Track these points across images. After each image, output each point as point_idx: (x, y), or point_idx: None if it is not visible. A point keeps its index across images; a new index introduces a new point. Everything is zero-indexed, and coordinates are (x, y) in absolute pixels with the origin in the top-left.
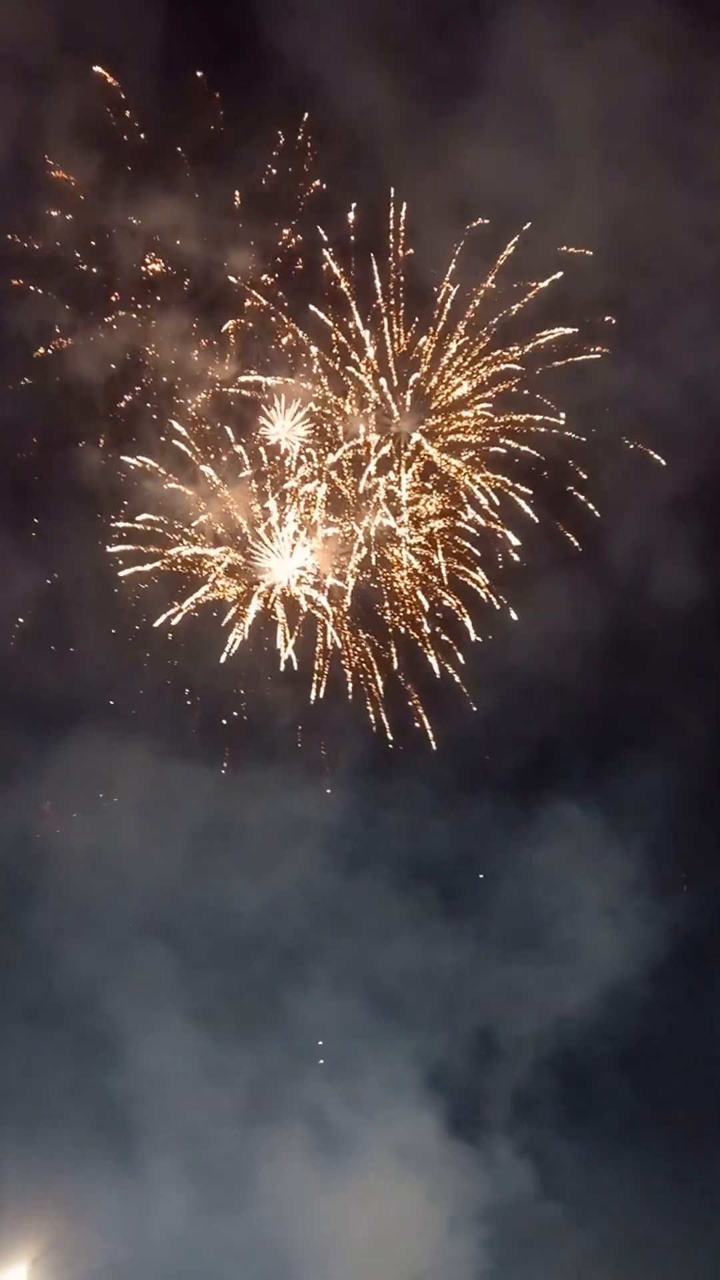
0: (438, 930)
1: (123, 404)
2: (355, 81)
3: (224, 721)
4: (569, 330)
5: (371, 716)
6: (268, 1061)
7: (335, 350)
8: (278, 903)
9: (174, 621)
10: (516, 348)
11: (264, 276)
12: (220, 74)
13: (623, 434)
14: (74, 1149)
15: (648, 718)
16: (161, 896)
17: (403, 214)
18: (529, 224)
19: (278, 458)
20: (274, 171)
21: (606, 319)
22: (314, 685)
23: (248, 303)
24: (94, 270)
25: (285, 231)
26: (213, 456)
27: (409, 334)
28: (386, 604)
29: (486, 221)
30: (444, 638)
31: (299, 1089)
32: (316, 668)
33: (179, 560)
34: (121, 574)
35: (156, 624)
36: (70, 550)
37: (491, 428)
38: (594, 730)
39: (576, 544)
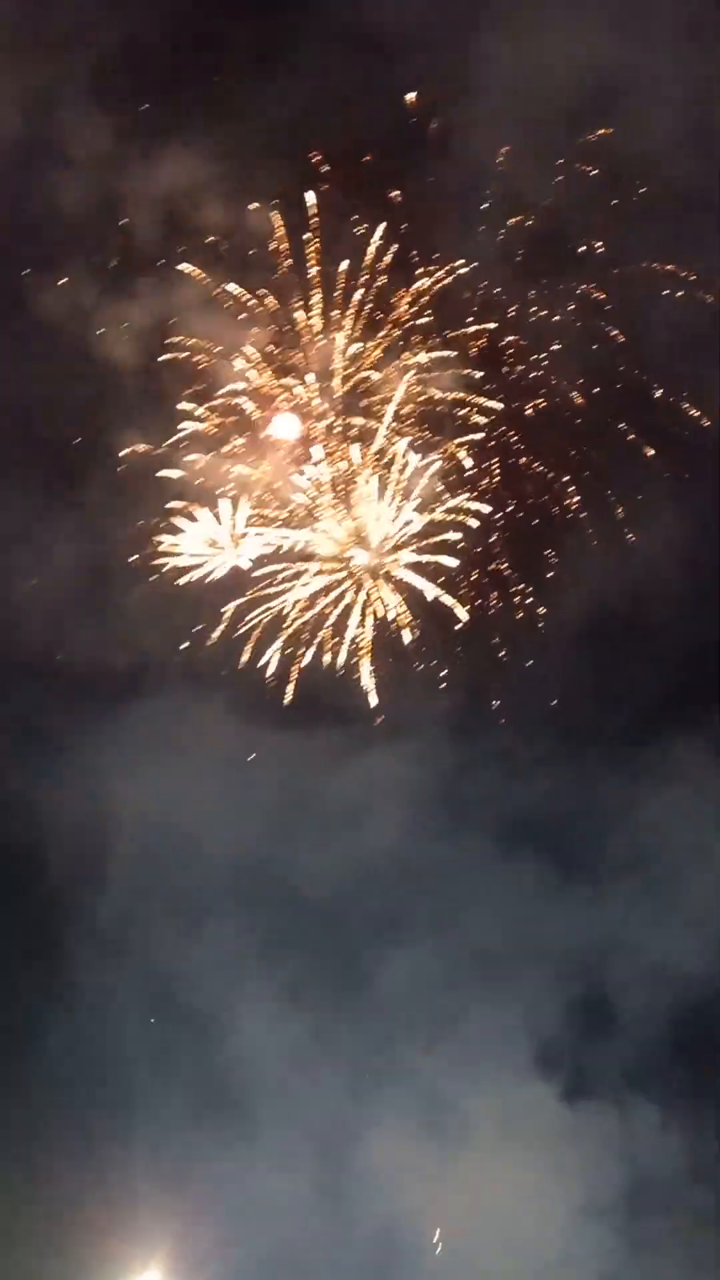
0: (542, 890)
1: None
2: None
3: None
4: None
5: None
6: (368, 1035)
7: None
8: (369, 868)
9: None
10: None
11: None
12: None
13: None
14: (187, 1142)
15: None
16: (243, 866)
17: None
18: None
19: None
20: None
21: None
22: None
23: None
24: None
25: None
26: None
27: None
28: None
29: None
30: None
31: (403, 1063)
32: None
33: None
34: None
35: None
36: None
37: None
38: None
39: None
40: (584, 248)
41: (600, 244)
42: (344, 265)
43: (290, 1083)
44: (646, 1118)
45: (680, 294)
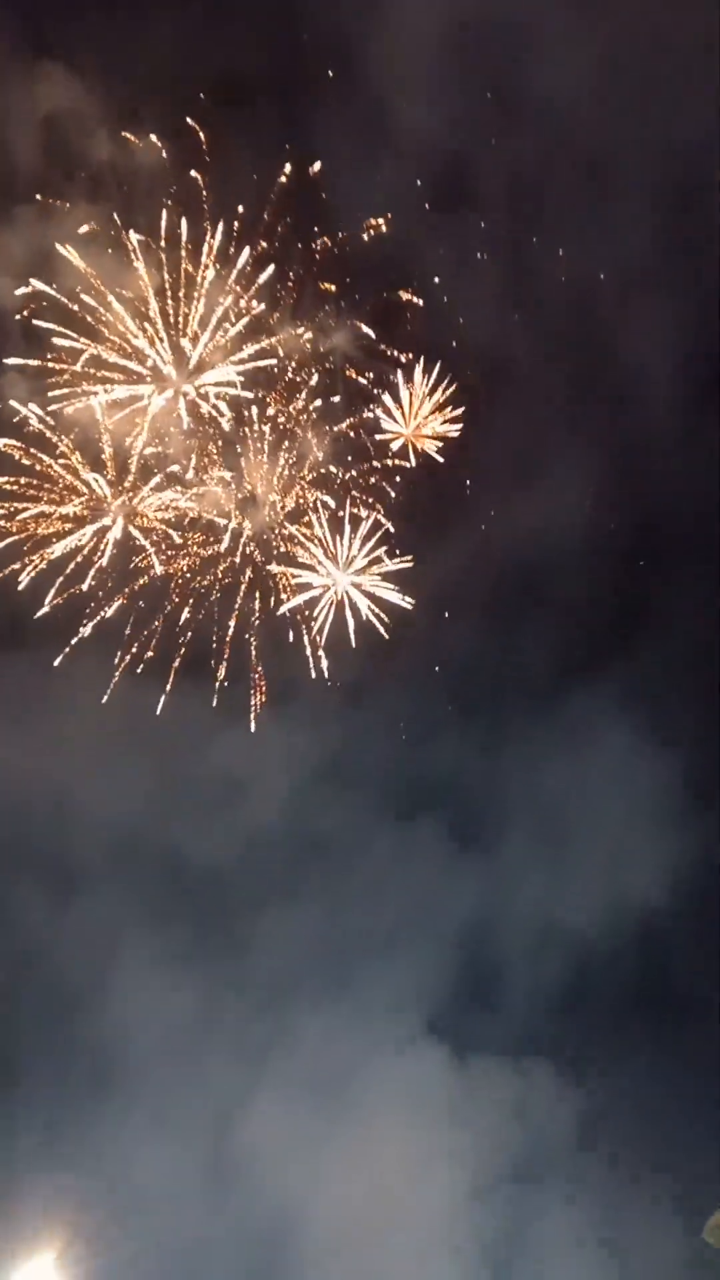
0: (432, 856)
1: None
2: None
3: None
4: None
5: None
6: (255, 1005)
7: None
8: (256, 837)
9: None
10: None
11: None
12: None
13: None
14: (71, 1120)
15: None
16: (123, 833)
17: None
18: None
19: None
20: None
21: None
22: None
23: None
24: None
25: None
26: None
27: None
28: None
29: None
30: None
31: (292, 1032)
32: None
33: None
34: None
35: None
36: None
37: None
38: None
39: None
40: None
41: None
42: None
43: (176, 1054)
44: (539, 1079)
45: None
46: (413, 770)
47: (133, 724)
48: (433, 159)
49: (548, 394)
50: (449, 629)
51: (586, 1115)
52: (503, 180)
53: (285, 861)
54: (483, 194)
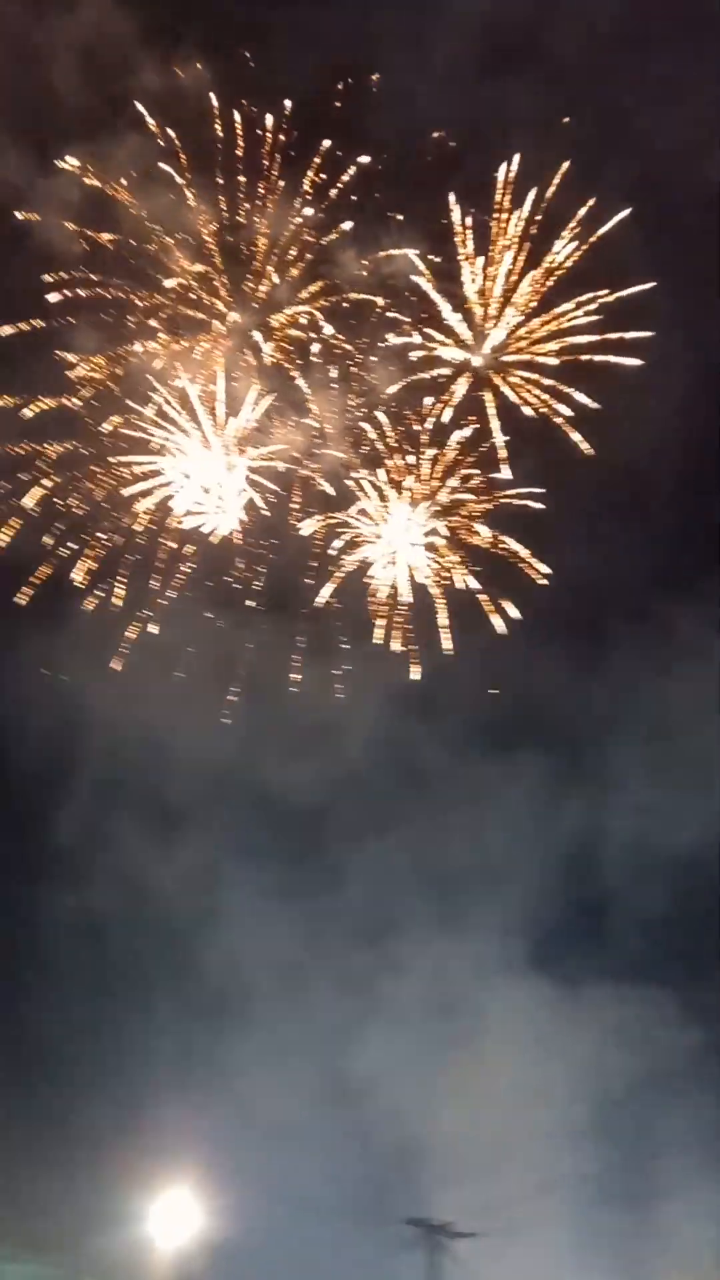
0: (536, 782)
1: None
2: None
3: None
4: None
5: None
6: (363, 937)
7: None
8: (357, 771)
9: None
10: None
11: None
12: None
13: None
14: (192, 1059)
15: None
16: (218, 772)
17: None
18: None
19: None
20: None
21: None
22: None
23: None
24: None
25: None
26: None
27: None
28: None
29: None
30: None
31: (399, 963)
32: None
33: None
34: None
35: None
36: None
37: None
38: None
39: None
40: None
41: None
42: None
43: (286, 987)
44: (652, 1006)
45: None
46: (510, 697)
47: (223, 664)
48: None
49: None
50: (546, 551)
51: (703, 1043)
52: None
53: (381, 796)
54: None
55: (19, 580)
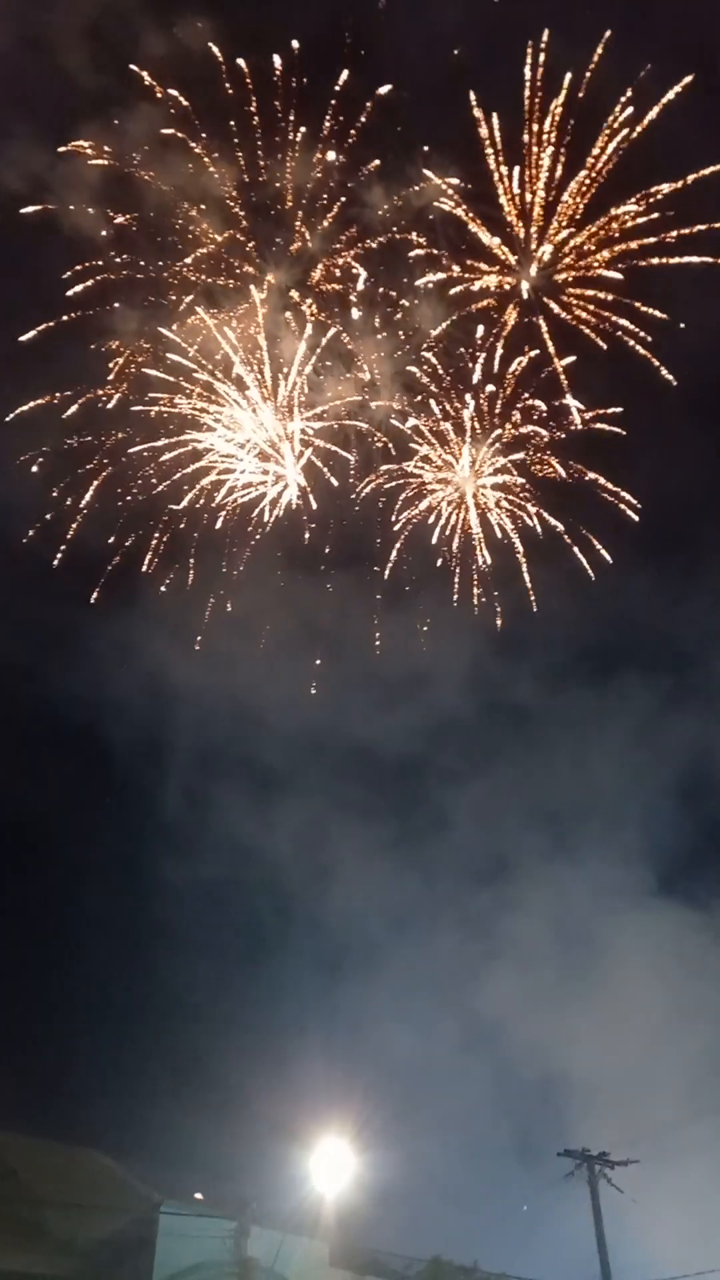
0: (646, 708)
1: None
2: None
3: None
4: None
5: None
6: (469, 877)
7: None
8: (456, 715)
9: None
10: None
11: None
12: None
13: None
14: (329, 1010)
15: None
16: (312, 732)
17: None
18: None
19: None
20: None
21: None
22: None
23: None
24: None
25: None
26: None
27: None
28: None
29: None
30: None
31: (515, 898)
32: None
33: None
34: None
35: None
36: None
37: None
38: None
39: None
40: None
41: None
42: None
43: (408, 935)
44: None
45: None
46: (602, 624)
47: (303, 630)
48: None
49: None
50: (623, 480)
51: None
52: None
53: (479, 738)
54: None
55: (92, 576)
